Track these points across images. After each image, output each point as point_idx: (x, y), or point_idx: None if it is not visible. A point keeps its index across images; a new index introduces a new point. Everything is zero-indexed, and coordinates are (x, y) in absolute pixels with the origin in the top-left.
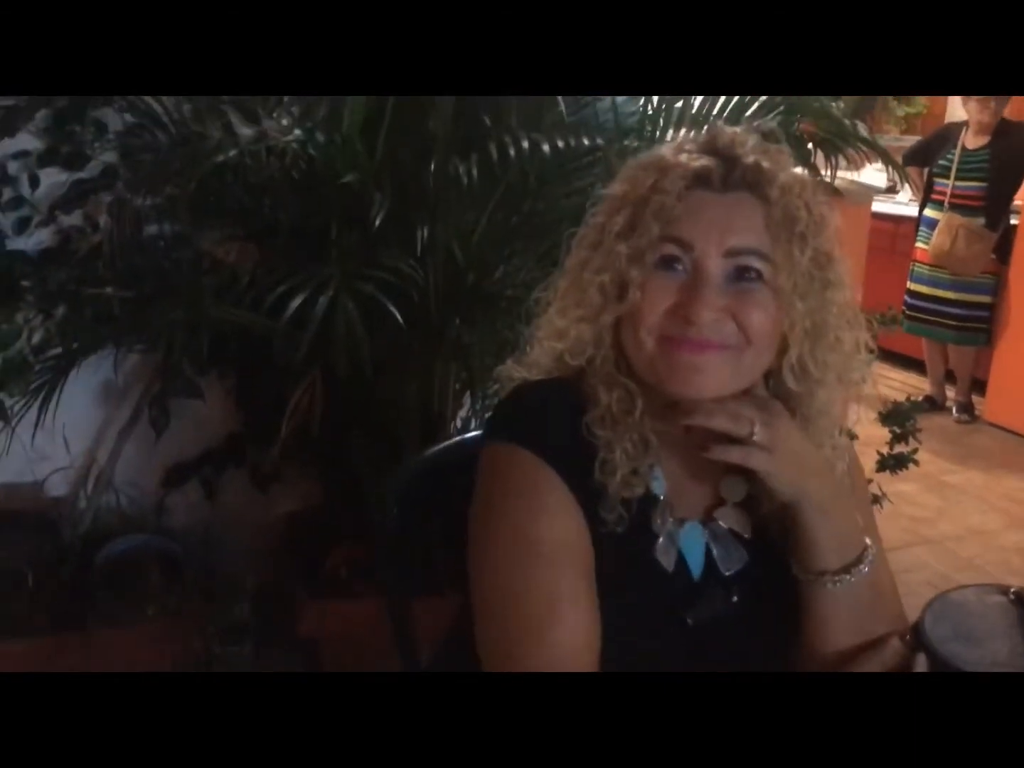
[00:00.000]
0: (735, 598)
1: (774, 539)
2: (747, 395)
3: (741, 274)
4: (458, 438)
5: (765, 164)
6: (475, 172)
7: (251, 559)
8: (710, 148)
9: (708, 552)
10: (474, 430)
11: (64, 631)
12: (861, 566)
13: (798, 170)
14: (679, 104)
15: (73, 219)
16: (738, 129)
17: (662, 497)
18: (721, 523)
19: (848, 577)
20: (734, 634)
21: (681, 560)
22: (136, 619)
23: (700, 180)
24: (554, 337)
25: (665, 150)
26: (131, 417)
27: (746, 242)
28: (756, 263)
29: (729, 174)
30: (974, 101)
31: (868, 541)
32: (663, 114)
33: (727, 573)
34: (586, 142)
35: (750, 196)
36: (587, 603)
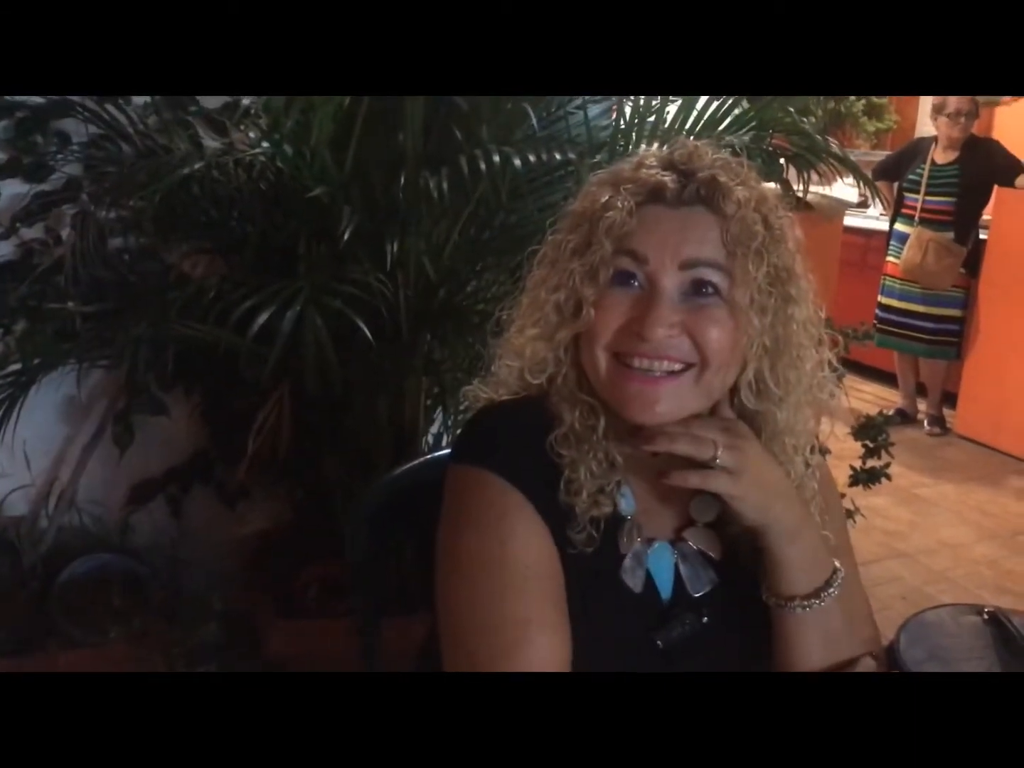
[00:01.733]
0: (705, 619)
1: (744, 560)
2: (713, 416)
3: (697, 288)
4: (429, 456)
5: (721, 178)
6: (445, 186)
7: (218, 579)
8: (667, 163)
9: (677, 573)
10: (446, 446)
11: (24, 654)
12: (830, 589)
13: (768, 185)
14: (652, 118)
15: (35, 232)
16: (700, 143)
17: (629, 517)
18: (691, 543)
19: (817, 601)
20: (705, 656)
21: (650, 581)
22: (99, 641)
23: (654, 195)
24: (514, 356)
25: (624, 165)
26: (94, 434)
27: (701, 254)
28: (712, 276)
29: (684, 188)
30: (943, 116)
31: (837, 564)
32: (635, 128)
33: (696, 595)
34: (558, 156)
35: (705, 210)
36: (557, 626)
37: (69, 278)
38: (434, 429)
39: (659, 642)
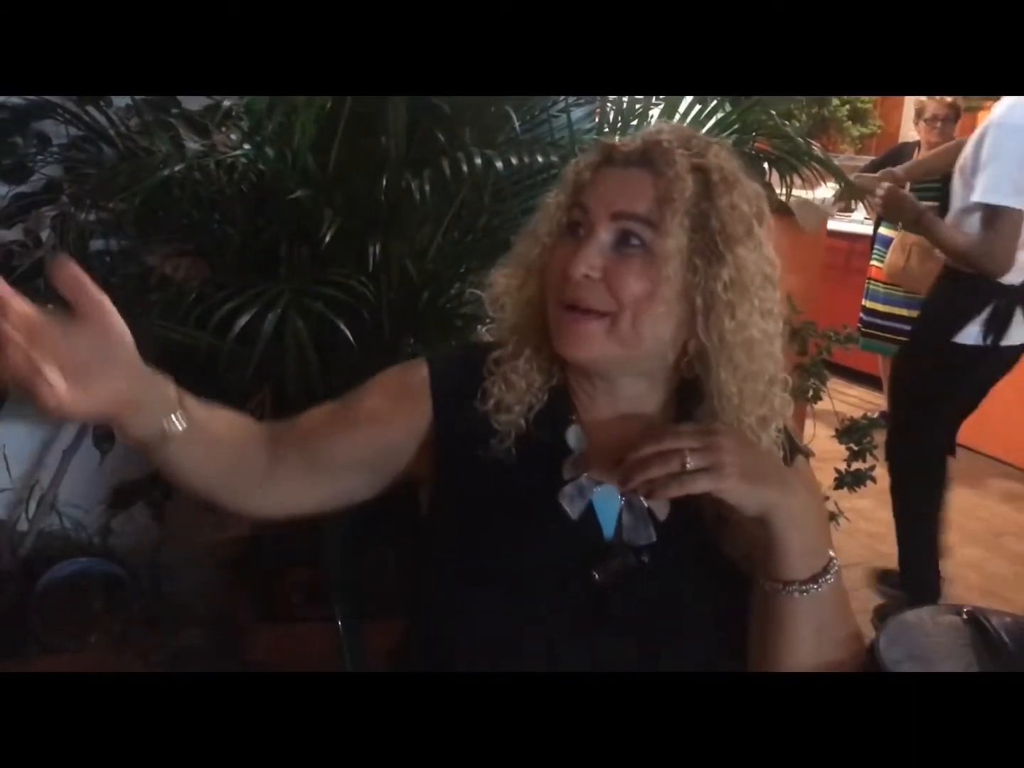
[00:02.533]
0: (645, 560)
1: (695, 525)
2: (671, 428)
3: (624, 239)
4: None
5: (664, 142)
6: (428, 189)
7: (200, 583)
8: (638, 135)
9: (619, 520)
10: None
11: (2, 660)
12: (827, 576)
13: (726, 156)
14: (635, 121)
15: (14, 234)
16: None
17: (576, 450)
18: (640, 497)
19: (815, 587)
20: (636, 601)
21: (592, 517)
22: (79, 646)
23: (607, 156)
24: (498, 309)
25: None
26: (75, 438)
27: (631, 208)
28: (639, 229)
29: (633, 151)
30: (924, 121)
31: (832, 552)
32: (618, 131)
33: (633, 544)
34: (540, 159)
35: (645, 170)
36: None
37: (49, 281)
38: None
39: (595, 573)
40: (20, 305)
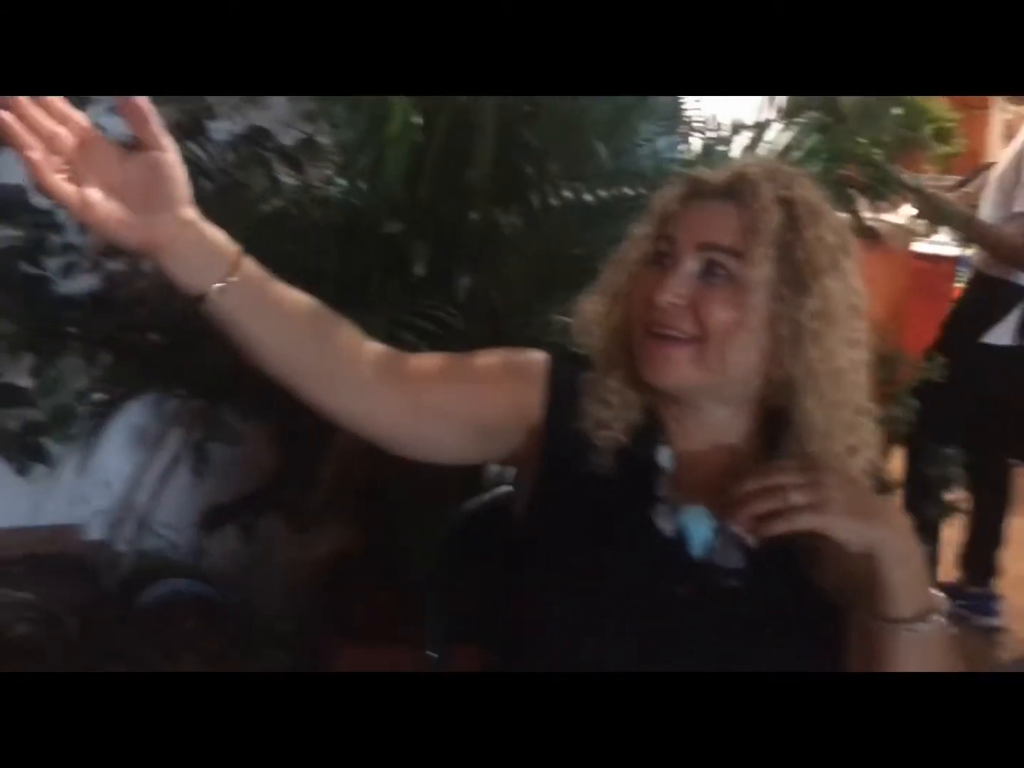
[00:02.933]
0: (733, 583)
1: (786, 553)
2: (775, 465)
3: (710, 269)
4: (500, 489)
5: (751, 174)
6: (516, 222)
7: (288, 603)
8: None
9: (709, 541)
10: (511, 478)
11: None
12: (935, 615)
13: (813, 190)
14: (721, 147)
15: (118, 265)
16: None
17: (667, 469)
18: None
19: (923, 625)
20: (722, 622)
21: (682, 536)
22: (173, 666)
23: (696, 188)
24: (585, 337)
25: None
26: (171, 461)
27: (717, 239)
28: (724, 259)
29: (719, 183)
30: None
31: (935, 591)
32: (704, 160)
33: (722, 567)
34: (627, 191)
35: (731, 201)
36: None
37: (151, 310)
38: None
39: (682, 590)
40: (76, 116)
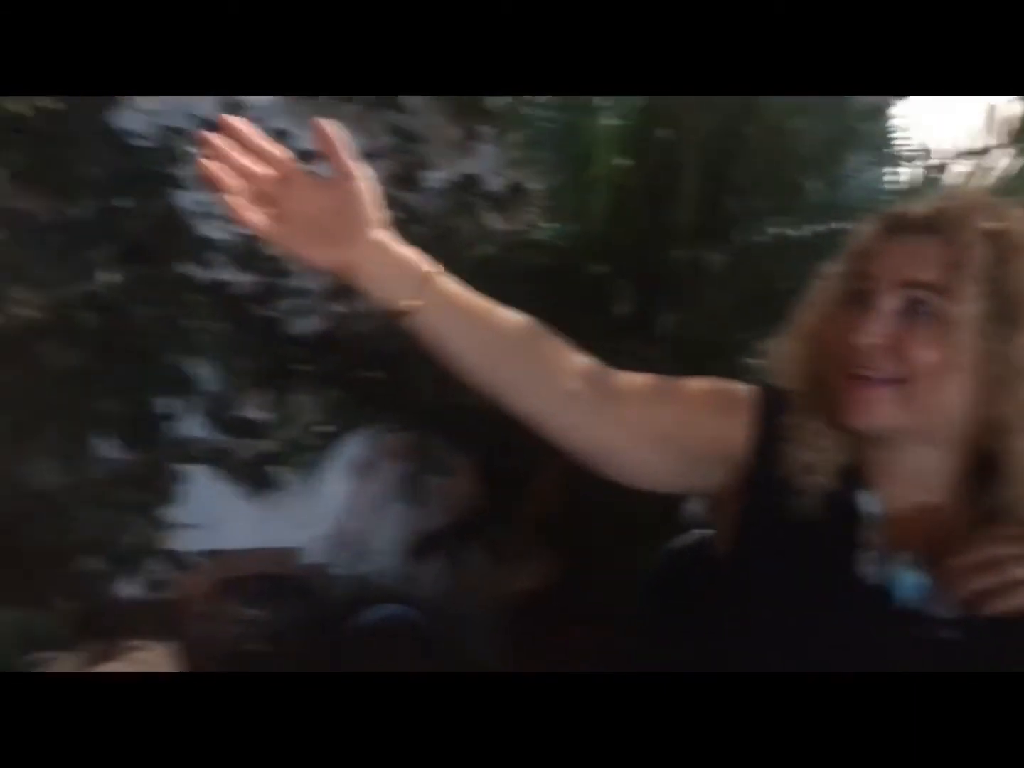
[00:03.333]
0: (941, 635)
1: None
2: (996, 533)
3: (913, 307)
4: (700, 530)
5: (955, 208)
6: (721, 258)
7: (488, 634)
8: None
9: (917, 591)
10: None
11: None
12: None
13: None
14: (936, 175)
15: (342, 307)
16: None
17: (873, 515)
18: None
19: None
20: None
21: (889, 585)
22: None
23: (896, 223)
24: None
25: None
26: (385, 491)
27: (920, 276)
28: (928, 296)
29: (922, 218)
30: None
31: None
32: (917, 191)
33: (931, 617)
34: (837, 225)
35: (935, 237)
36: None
37: (372, 350)
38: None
39: (890, 639)
40: (274, 150)
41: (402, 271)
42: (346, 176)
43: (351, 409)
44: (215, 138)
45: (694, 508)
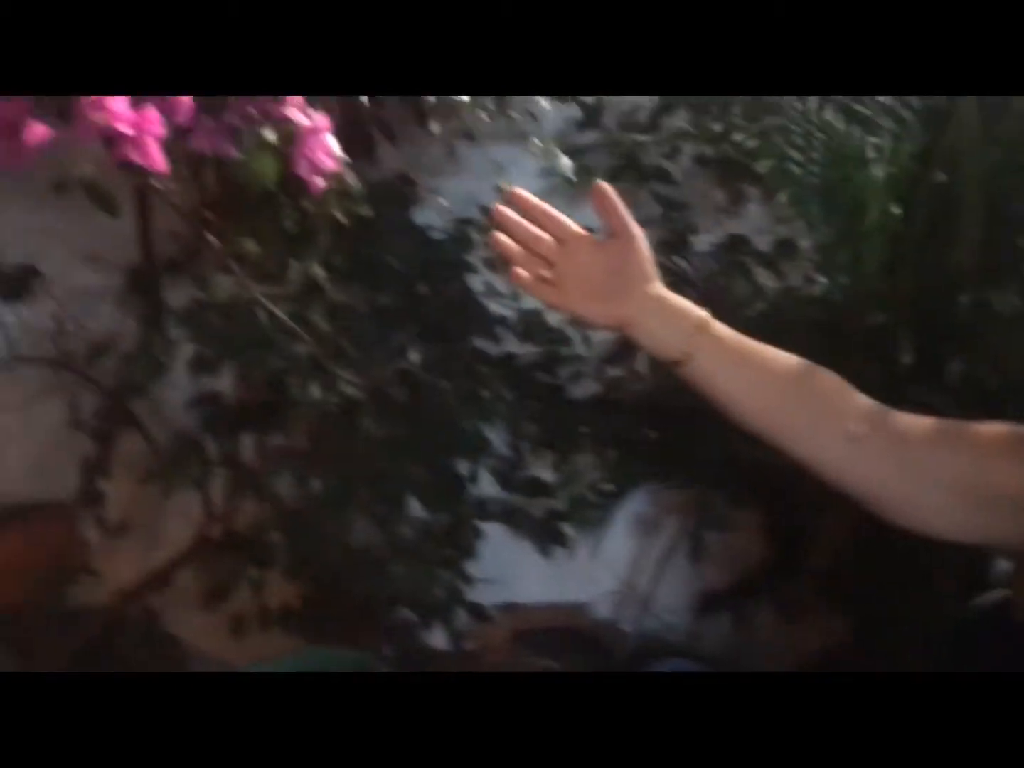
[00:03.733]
0: None
1: None
2: None
3: None
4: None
5: None
6: (1012, 300)
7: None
8: None
9: None
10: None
11: None
12: None
13: None
14: None
15: (618, 371)
16: None
17: None
18: None
19: None
20: None
21: None
22: None
23: None
24: None
25: None
26: (669, 547)
27: None
28: None
29: None
30: None
31: None
32: None
33: None
34: None
35: None
36: None
37: (648, 410)
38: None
39: None
40: (557, 216)
41: (678, 320)
42: (624, 235)
43: (631, 467)
44: (504, 212)
45: (999, 566)
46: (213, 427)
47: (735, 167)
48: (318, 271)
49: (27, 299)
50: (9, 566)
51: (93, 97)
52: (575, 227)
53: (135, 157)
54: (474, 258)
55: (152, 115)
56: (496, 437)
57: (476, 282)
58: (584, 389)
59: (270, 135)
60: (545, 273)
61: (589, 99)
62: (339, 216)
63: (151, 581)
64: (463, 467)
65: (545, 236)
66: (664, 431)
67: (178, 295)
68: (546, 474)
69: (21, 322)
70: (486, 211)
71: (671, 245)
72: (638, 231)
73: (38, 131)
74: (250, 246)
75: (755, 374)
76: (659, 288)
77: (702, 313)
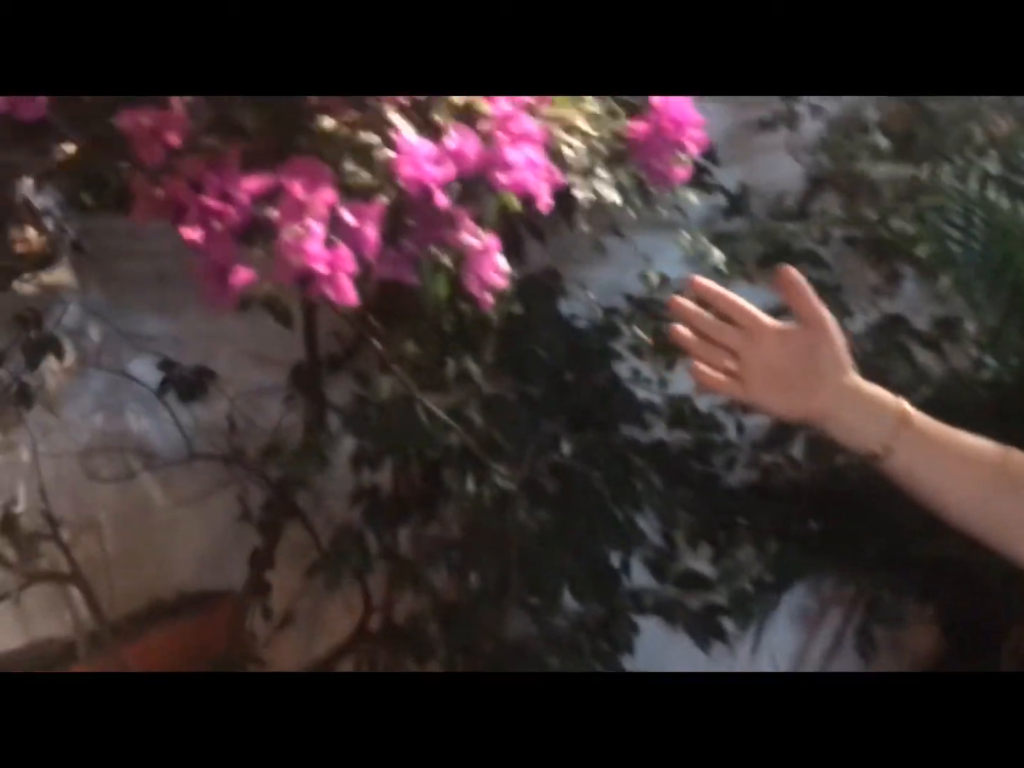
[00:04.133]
0: None
1: None
2: None
3: None
4: None
5: None
6: None
7: None
8: None
9: None
10: None
11: None
12: None
13: None
14: None
15: (773, 457)
16: None
17: None
18: None
19: None
20: None
21: None
22: None
23: None
24: None
25: None
26: (833, 643)
27: None
28: None
29: None
30: None
31: None
32: None
33: None
34: None
35: None
36: None
37: (807, 499)
38: None
39: None
40: (741, 305)
41: (877, 412)
42: (815, 322)
43: (793, 559)
44: (682, 302)
45: None
46: (373, 520)
47: (889, 247)
48: (472, 366)
49: (203, 399)
50: (181, 653)
51: (290, 240)
52: (761, 315)
53: (329, 293)
54: (620, 345)
55: (345, 253)
56: (649, 527)
57: (624, 369)
58: (739, 476)
59: (445, 259)
60: (729, 365)
61: (734, 188)
62: (492, 315)
63: (313, 671)
64: (616, 558)
65: (728, 326)
66: (826, 520)
67: (340, 392)
68: (703, 566)
69: (197, 420)
70: (631, 299)
71: None
72: (829, 317)
73: (243, 275)
74: (410, 347)
75: (960, 465)
76: (854, 378)
77: (902, 403)
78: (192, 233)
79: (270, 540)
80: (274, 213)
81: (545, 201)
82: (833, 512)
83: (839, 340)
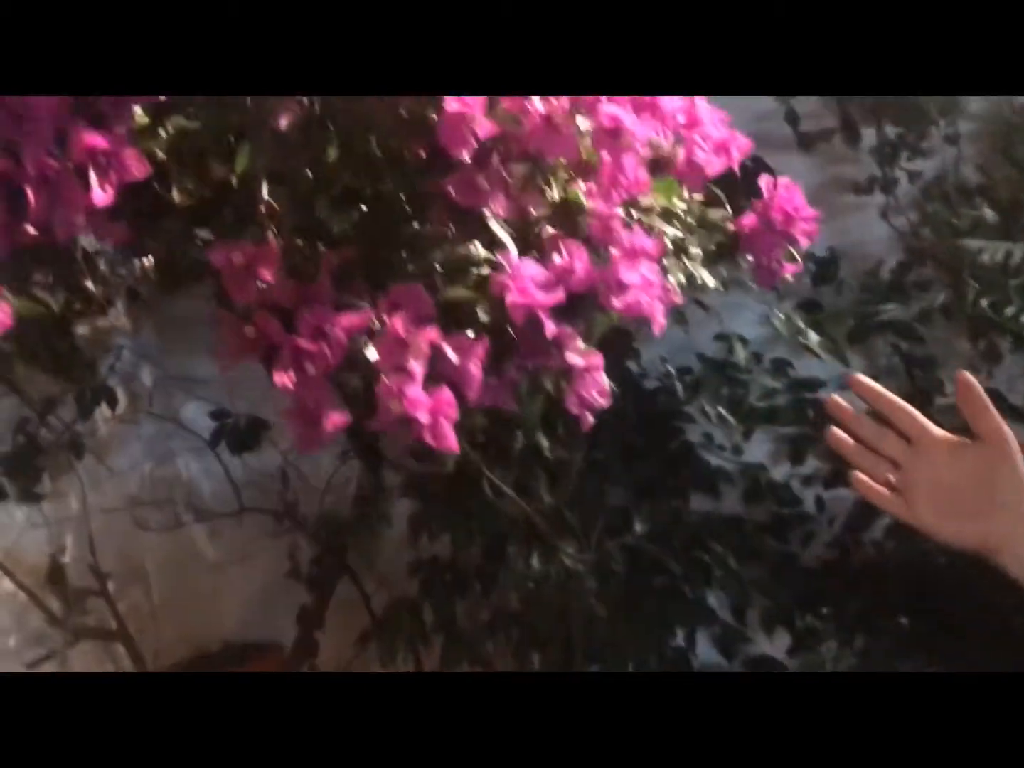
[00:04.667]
0: None
1: None
2: None
3: None
4: None
5: None
6: None
7: None
8: None
9: None
10: None
11: None
12: None
13: None
14: None
15: (863, 537)
16: None
17: None
18: None
19: None
20: None
21: None
22: None
23: None
24: None
25: None
26: None
27: None
28: None
29: None
30: None
31: None
32: None
33: None
34: None
35: None
36: None
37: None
38: None
39: None
40: (907, 411)
41: None
42: (994, 438)
43: (880, 649)
44: (841, 403)
45: None
46: (431, 591)
47: (988, 322)
48: (542, 440)
49: (256, 450)
50: None
51: (389, 383)
52: (928, 423)
53: (430, 440)
54: (692, 409)
55: (447, 398)
56: (721, 605)
57: (695, 434)
58: (816, 553)
59: (546, 382)
60: (891, 477)
61: (826, 254)
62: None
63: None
64: (683, 638)
65: (891, 432)
66: (916, 610)
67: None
68: (780, 655)
69: (247, 471)
70: (703, 359)
71: (914, 402)
72: (1010, 433)
73: (337, 419)
74: (479, 420)
75: None
76: None
77: None
78: (283, 378)
79: (319, 598)
80: (371, 352)
81: (660, 323)
82: (925, 599)
83: (1020, 460)
